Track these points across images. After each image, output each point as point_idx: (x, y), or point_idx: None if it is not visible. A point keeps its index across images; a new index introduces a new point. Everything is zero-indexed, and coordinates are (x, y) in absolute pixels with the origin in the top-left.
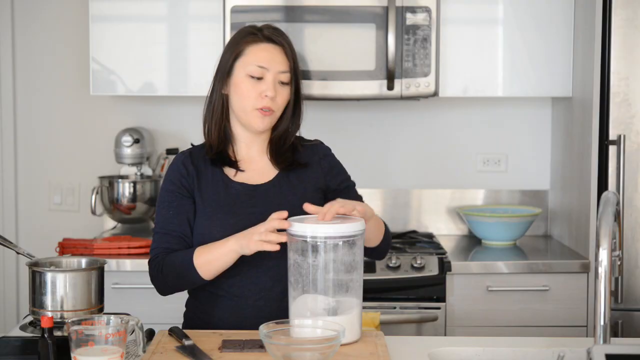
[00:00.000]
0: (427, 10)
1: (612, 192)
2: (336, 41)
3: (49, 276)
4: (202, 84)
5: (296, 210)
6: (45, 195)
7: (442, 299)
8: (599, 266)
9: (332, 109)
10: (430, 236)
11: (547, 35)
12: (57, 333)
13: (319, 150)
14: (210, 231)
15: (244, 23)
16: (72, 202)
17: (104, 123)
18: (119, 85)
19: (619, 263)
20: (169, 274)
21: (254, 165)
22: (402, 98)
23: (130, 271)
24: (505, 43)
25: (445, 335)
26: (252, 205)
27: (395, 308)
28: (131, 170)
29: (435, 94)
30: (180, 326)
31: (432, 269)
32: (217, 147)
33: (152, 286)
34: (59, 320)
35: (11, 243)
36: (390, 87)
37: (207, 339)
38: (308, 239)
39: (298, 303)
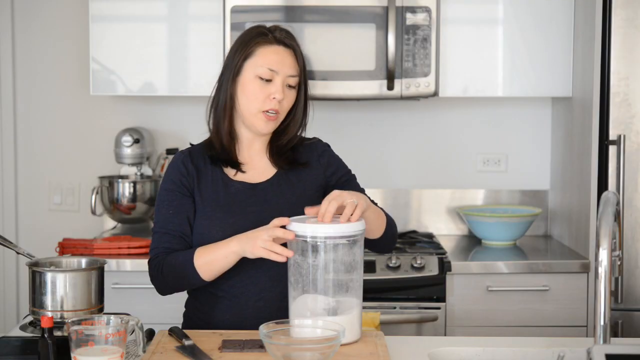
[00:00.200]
0: (427, 10)
1: (612, 192)
2: (336, 41)
3: (49, 276)
4: (202, 84)
5: (295, 209)
6: (45, 195)
7: (442, 299)
8: (599, 266)
9: (332, 109)
10: (430, 236)
11: (547, 35)
12: (57, 333)
13: (317, 147)
14: (210, 230)
15: (244, 23)
16: (72, 202)
17: (104, 123)
18: (119, 85)
19: (619, 263)
20: (169, 274)
21: (254, 164)
22: (402, 98)
23: (130, 271)
24: (505, 43)
25: (445, 335)
26: (251, 204)
27: (395, 308)
28: (131, 170)
29: (435, 94)
30: (180, 326)
31: (432, 269)
32: (224, 146)
33: (152, 286)
34: (59, 320)
35: (11, 243)
36: (390, 87)
37: (207, 339)
38: (308, 239)
39: (298, 303)
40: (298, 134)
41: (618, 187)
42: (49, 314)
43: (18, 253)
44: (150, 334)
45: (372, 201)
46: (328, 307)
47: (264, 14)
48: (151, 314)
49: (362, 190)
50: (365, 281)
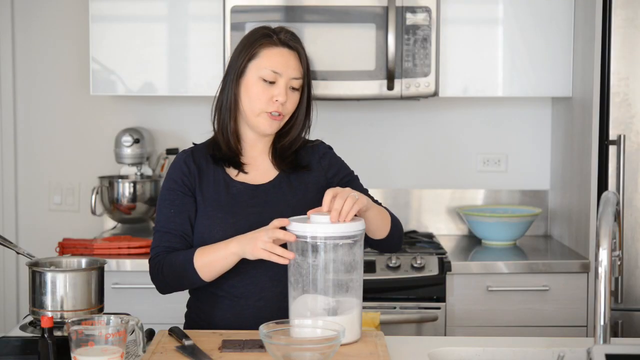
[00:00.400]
0: (427, 10)
1: (612, 192)
2: (336, 41)
3: (49, 276)
4: (202, 84)
5: (296, 212)
6: (45, 195)
7: (442, 299)
8: (599, 266)
9: (332, 109)
10: (430, 236)
11: (547, 35)
12: (57, 333)
13: (319, 149)
14: (211, 230)
15: (244, 23)
16: (72, 202)
17: (104, 123)
18: (119, 85)
19: (619, 263)
20: (169, 273)
21: (256, 165)
22: (402, 98)
23: (130, 271)
24: (505, 43)
25: (445, 335)
26: (253, 205)
27: (395, 308)
28: (131, 170)
29: (435, 94)
30: (180, 326)
31: (432, 269)
32: (230, 146)
33: (152, 286)
34: (59, 320)
35: (11, 243)
36: (390, 87)
37: (207, 339)
38: (308, 239)
39: (298, 303)
40: (302, 136)
41: (618, 187)
42: (49, 314)
43: (18, 253)
44: (150, 334)
45: (376, 201)
46: (328, 307)
47: (264, 14)
48: (151, 314)
49: (365, 191)
50: (365, 281)
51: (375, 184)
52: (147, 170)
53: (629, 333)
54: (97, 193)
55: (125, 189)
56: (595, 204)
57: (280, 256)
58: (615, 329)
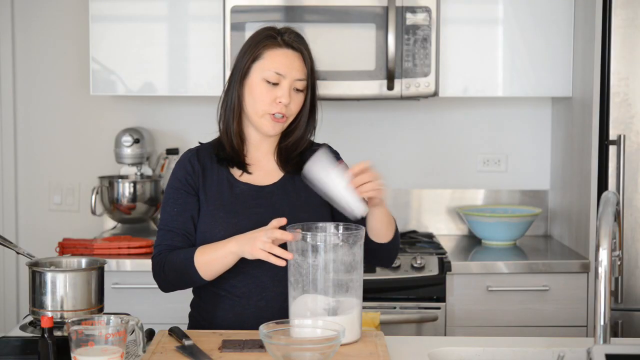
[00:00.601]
0: (427, 10)
1: (612, 192)
2: (336, 41)
3: (49, 276)
4: (202, 84)
5: (299, 214)
6: (45, 195)
7: (442, 299)
8: (599, 266)
9: (332, 109)
10: (430, 236)
11: (547, 35)
12: (57, 333)
13: None
14: (212, 229)
15: (244, 23)
16: (72, 202)
17: (104, 123)
18: (119, 85)
19: (619, 263)
20: (170, 272)
21: (261, 166)
22: (402, 98)
23: (130, 271)
24: (505, 43)
25: (445, 335)
26: (256, 206)
27: (395, 308)
28: (131, 170)
29: (435, 94)
30: (180, 326)
31: (432, 269)
32: (233, 147)
33: (152, 286)
34: (59, 320)
35: (11, 243)
36: (390, 87)
37: (207, 339)
38: (308, 239)
39: (298, 303)
40: (307, 137)
41: (618, 187)
42: (49, 314)
43: (18, 253)
44: (150, 334)
45: None
46: (328, 307)
47: (264, 14)
48: (151, 314)
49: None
50: (365, 281)
51: None
52: (147, 170)
53: (629, 333)
54: (97, 193)
55: (125, 189)
56: (595, 204)
57: (278, 257)
58: (615, 329)
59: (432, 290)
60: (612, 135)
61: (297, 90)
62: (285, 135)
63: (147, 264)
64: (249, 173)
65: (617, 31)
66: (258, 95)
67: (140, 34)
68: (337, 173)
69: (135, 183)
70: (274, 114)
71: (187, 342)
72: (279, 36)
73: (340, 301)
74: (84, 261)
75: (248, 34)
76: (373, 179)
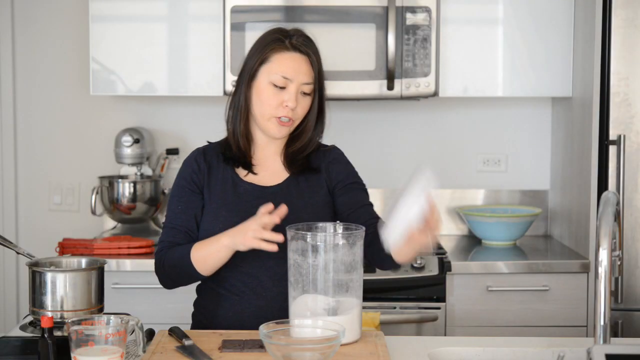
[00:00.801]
0: (427, 10)
1: (612, 192)
2: (336, 41)
3: (49, 276)
4: (202, 84)
5: (302, 216)
6: (45, 195)
7: (442, 299)
8: (599, 266)
9: (332, 109)
10: None
11: (547, 35)
12: (57, 333)
13: (330, 154)
14: (214, 228)
15: (244, 23)
16: (72, 202)
17: (104, 123)
18: (119, 85)
19: (619, 263)
20: (169, 267)
21: (266, 166)
22: (402, 98)
23: (130, 271)
24: (505, 43)
25: (445, 335)
26: (258, 206)
27: (395, 308)
28: (131, 170)
29: (435, 94)
30: (180, 326)
31: (432, 269)
32: (240, 147)
33: (152, 286)
34: (59, 320)
35: (11, 243)
36: (390, 87)
37: (207, 339)
38: (308, 239)
39: (298, 303)
40: (315, 139)
41: (618, 187)
42: (49, 314)
43: (18, 253)
44: (150, 334)
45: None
46: (328, 307)
47: (264, 14)
48: (151, 314)
49: (369, 204)
50: (365, 281)
51: (375, 184)
52: (147, 170)
53: (629, 333)
54: (97, 193)
55: (125, 189)
56: (595, 204)
57: (269, 243)
58: (615, 329)
59: (432, 290)
60: (612, 135)
61: (304, 93)
62: (293, 137)
63: (147, 264)
64: (254, 173)
65: (617, 31)
66: (265, 98)
67: (140, 34)
68: (421, 202)
69: (135, 183)
70: (280, 118)
71: (187, 342)
72: (287, 39)
73: (340, 301)
74: (84, 261)
75: (248, 34)
76: (428, 242)
